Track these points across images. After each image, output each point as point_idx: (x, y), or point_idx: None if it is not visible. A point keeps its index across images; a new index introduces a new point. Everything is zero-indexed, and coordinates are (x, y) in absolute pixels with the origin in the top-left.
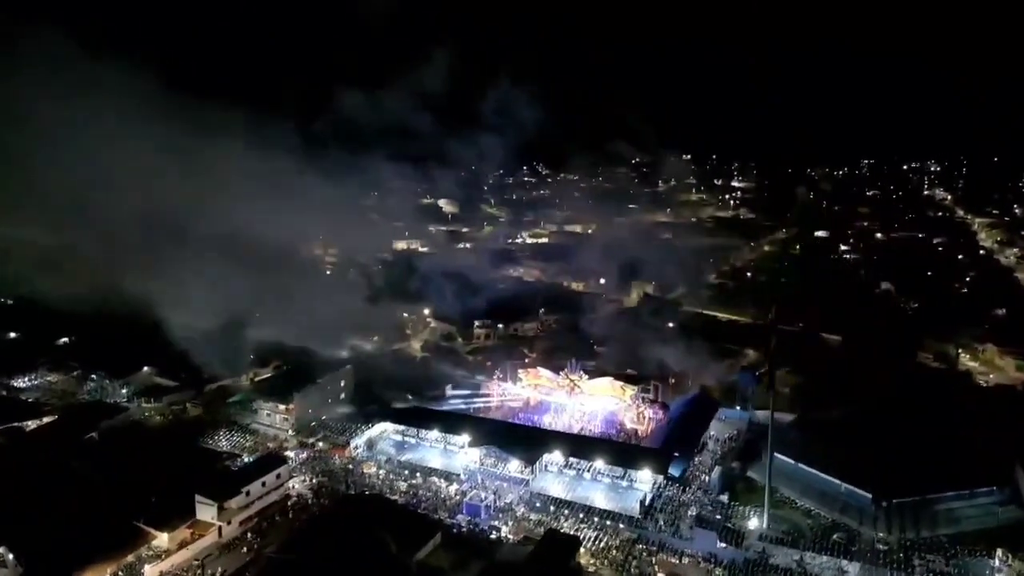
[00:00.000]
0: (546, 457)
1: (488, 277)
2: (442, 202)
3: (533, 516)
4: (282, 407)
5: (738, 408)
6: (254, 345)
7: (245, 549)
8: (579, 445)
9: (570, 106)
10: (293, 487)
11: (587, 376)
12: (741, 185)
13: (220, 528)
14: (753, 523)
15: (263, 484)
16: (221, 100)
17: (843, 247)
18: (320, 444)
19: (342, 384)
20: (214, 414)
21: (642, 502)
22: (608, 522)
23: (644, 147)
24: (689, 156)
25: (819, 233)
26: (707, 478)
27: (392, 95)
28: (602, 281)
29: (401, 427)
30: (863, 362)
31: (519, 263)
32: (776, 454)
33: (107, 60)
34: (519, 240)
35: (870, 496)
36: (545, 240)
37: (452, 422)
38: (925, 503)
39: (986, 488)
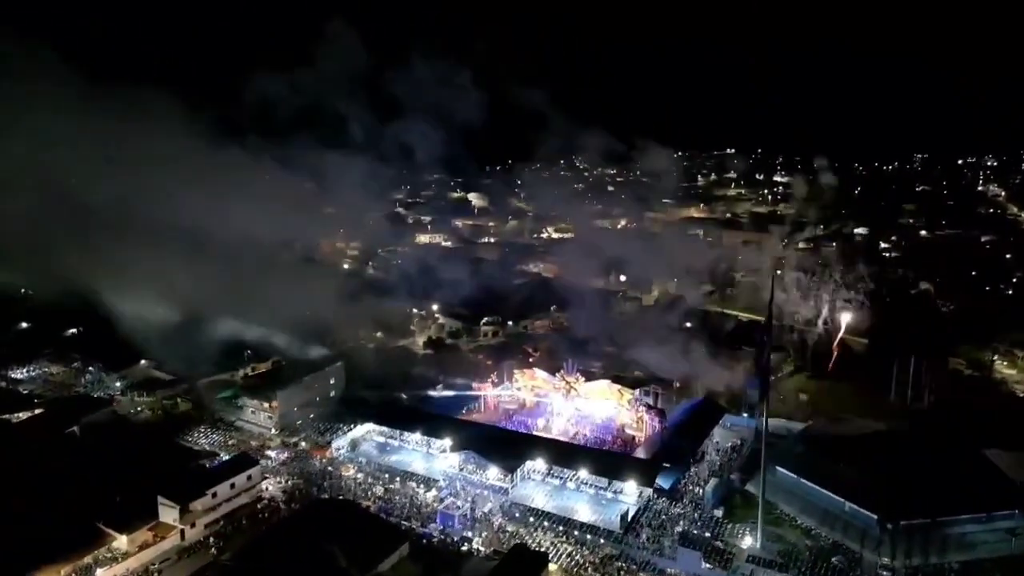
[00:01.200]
0: (528, 465)
1: (504, 273)
2: (472, 196)
3: (510, 527)
4: (266, 405)
5: (745, 415)
6: (224, 341)
7: (213, 552)
8: (563, 452)
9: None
10: (267, 489)
11: (584, 378)
12: (784, 180)
13: (183, 531)
14: (746, 542)
15: (232, 486)
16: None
17: (883, 244)
18: (303, 444)
19: (331, 382)
20: (202, 410)
21: (623, 516)
22: (589, 536)
23: (686, 142)
24: (733, 151)
25: (858, 230)
26: (701, 491)
27: (430, 87)
28: (622, 278)
29: (384, 428)
30: (888, 368)
31: (539, 258)
32: (778, 468)
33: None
34: (543, 235)
35: (875, 517)
36: (570, 235)
37: (435, 424)
38: (936, 526)
39: (1006, 512)
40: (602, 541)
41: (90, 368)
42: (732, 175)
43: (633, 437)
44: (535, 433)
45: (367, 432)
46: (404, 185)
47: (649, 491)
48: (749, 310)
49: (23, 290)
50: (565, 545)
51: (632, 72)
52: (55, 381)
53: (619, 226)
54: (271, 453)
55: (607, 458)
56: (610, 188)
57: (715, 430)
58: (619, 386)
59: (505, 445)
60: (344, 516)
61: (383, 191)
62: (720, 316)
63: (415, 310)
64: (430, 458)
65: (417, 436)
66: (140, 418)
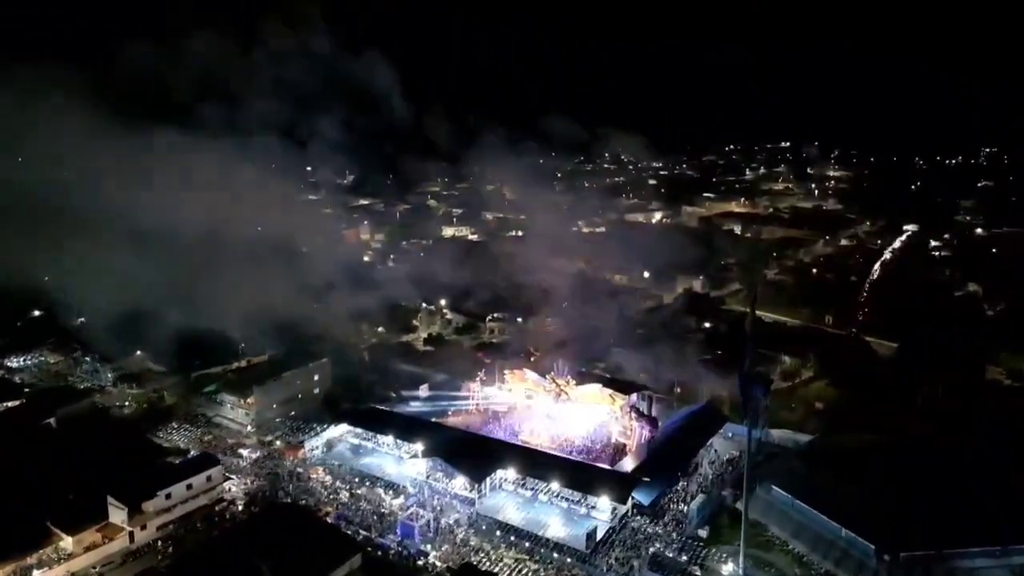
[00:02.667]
0: (500, 474)
1: (524, 267)
2: (506, 188)
3: (474, 541)
4: (243, 401)
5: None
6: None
7: (160, 556)
8: (538, 462)
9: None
10: (230, 490)
11: (575, 381)
12: (837, 174)
13: (131, 533)
14: (727, 568)
15: (189, 487)
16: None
17: (933, 242)
18: (278, 443)
19: (315, 379)
20: (186, 404)
21: (590, 534)
22: (556, 555)
23: (739, 134)
24: (788, 143)
25: (907, 227)
26: (686, 508)
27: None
28: (646, 275)
29: (357, 430)
30: (917, 376)
31: (563, 253)
32: (773, 486)
33: None
34: (573, 229)
35: (872, 547)
36: (601, 230)
37: (409, 427)
38: (940, 559)
39: (1022, 545)
40: (568, 560)
41: (87, 358)
42: (782, 169)
43: (624, 446)
44: (519, 438)
45: (342, 433)
46: (440, 177)
47: (627, 507)
48: (776, 310)
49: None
50: (529, 563)
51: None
52: (52, 370)
53: (654, 220)
54: (244, 452)
55: (581, 470)
56: (651, 182)
57: (715, 440)
58: (611, 391)
59: (479, 451)
60: (295, 523)
61: (416, 183)
62: (740, 316)
63: (424, 304)
64: (401, 463)
65: (390, 439)
66: (123, 411)
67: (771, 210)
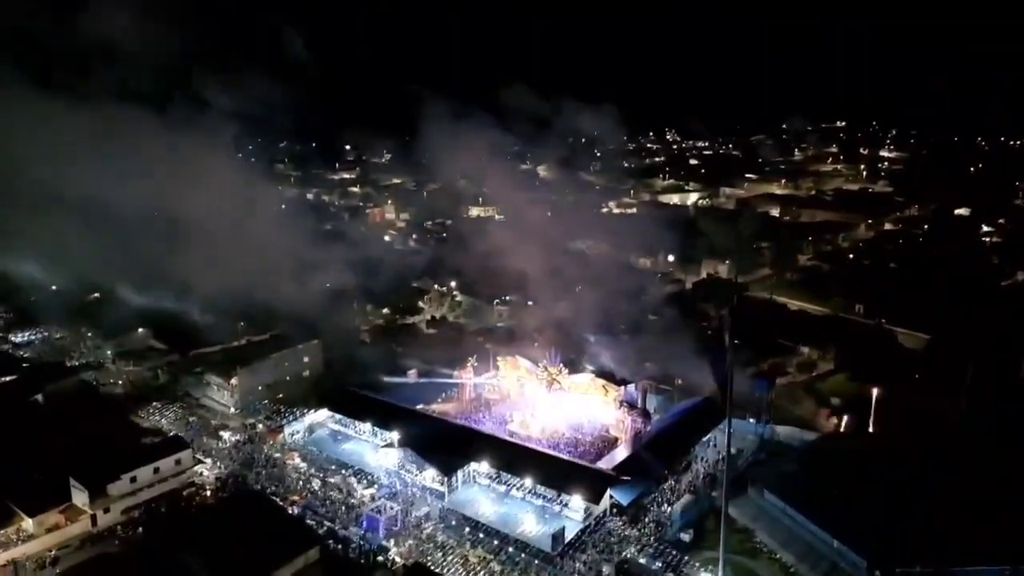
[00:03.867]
0: (473, 467)
1: (546, 249)
2: (540, 168)
3: (441, 537)
4: (227, 382)
5: (751, 420)
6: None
7: (116, 542)
8: (512, 455)
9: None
10: (202, 474)
11: (567, 370)
12: (891, 155)
13: (94, 516)
14: None
15: (156, 470)
16: None
17: (985, 228)
18: (260, 426)
19: (305, 361)
20: (176, 384)
21: (555, 535)
22: (523, 555)
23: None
24: (844, 123)
25: (959, 211)
26: (670, 509)
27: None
28: (670, 258)
29: (337, 416)
30: (947, 371)
31: (588, 235)
32: (765, 490)
33: None
34: (603, 209)
35: (865, 561)
36: (632, 211)
37: (387, 415)
38: None
39: None
40: (536, 562)
41: (90, 334)
42: (834, 149)
43: (616, 439)
44: (507, 428)
45: (323, 419)
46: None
47: (597, 507)
48: (804, 298)
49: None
50: (494, 563)
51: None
52: (57, 346)
53: (689, 202)
54: (225, 435)
55: (556, 466)
56: (692, 162)
57: (715, 436)
58: (603, 381)
59: (455, 442)
60: (254, 513)
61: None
62: (762, 303)
63: (436, 286)
64: (377, 451)
65: (367, 426)
66: (115, 389)
67: (814, 192)
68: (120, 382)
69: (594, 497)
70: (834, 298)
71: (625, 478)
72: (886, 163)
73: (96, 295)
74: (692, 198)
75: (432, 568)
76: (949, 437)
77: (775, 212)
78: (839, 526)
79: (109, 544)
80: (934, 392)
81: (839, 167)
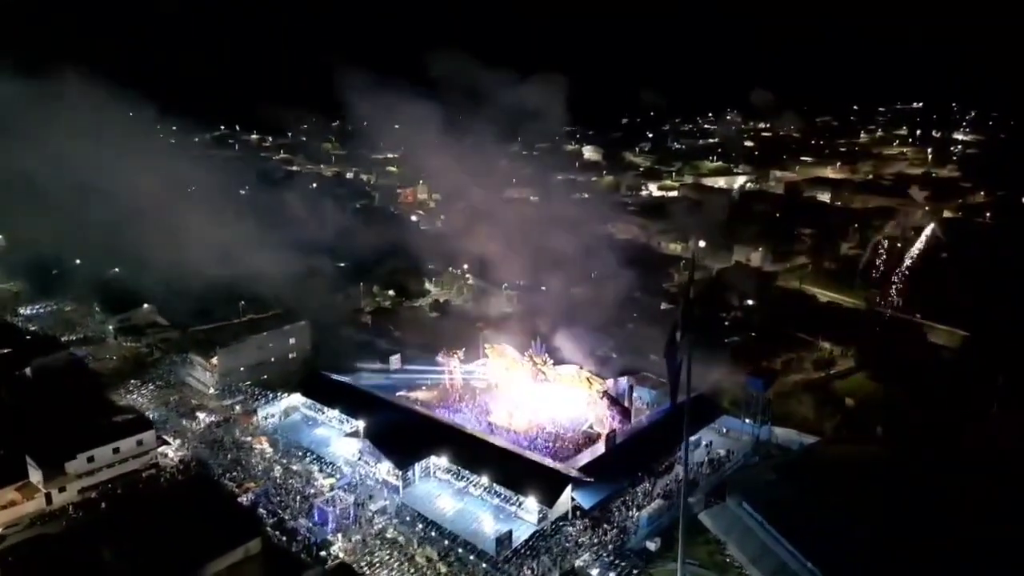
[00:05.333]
0: (433, 461)
1: (567, 232)
2: (586, 149)
3: (391, 533)
4: (208, 362)
5: (747, 421)
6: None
7: (64, 523)
8: (473, 450)
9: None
10: (168, 455)
11: (552, 360)
12: (966, 139)
13: (48, 495)
14: None
15: (115, 450)
16: None
17: None
18: (237, 408)
19: (291, 342)
20: (162, 361)
21: (500, 539)
22: (472, 557)
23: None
24: (920, 104)
25: None
26: (637, 514)
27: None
28: (701, 244)
29: (308, 401)
30: (980, 372)
31: (620, 218)
32: (744, 500)
33: None
34: (644, 192)
35: None
36: (673, 193)
37: (356, 402)
38: None
39: None
40: (484, 566)
41: (97, 308)
42: (903, 131)
43: (599, 436)
44: (488, 419)
45: (297, 403)
46: (519, 137)
47: (554, 510)
48: (836, 289)
49: None
50: (440, 565)
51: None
52: (63, 320)
53: (735, 185)
54: (201, 415)
55: (517, 464)
56: (747, 143)
57: (707, 436)
58: (588, 373)
59: (422, 434)
60: (202, 500)
61: (492, 143)
62: (789, 294)
63: (450, 268)
64: (341, 440)
65: (335, 413)
66: (108, 365)
67: (871, 176)
68: (114, 358)
69: (547, 499)
70: (870, 290)
71: (588, 479)
72: (958, 146)
73: (116, 270)
74: (739, 181)
75: (365, 569)
76: (964, 455)
77: (825, 197)
78: (815, 547)
79: (56, 525)
80: (959, 400)
81: (905, 150)
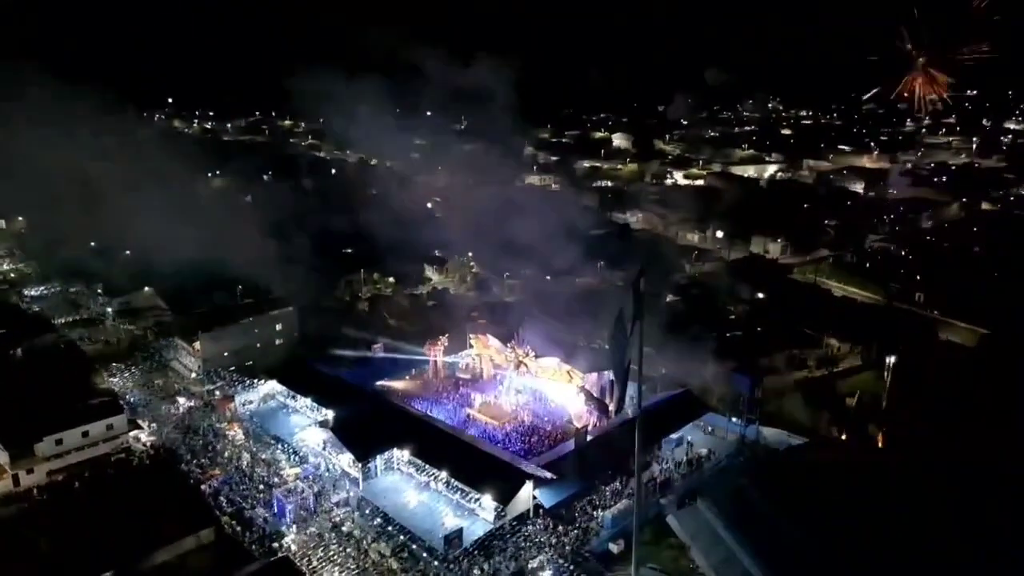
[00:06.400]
0: (396, 453)
1: (588, 221)
2: (616, 136)
3: (348, 527)
4: (191, 347)
5: (733, 419)
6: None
7: (26, 505)
8: (437, 443)
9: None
10: (140, 440)
11: (535, 353)
12: (1019, 127)
13: (16, 476)
14: None
15: (85, 434)
16: None
17: None
18: (218, 393)
19: (277, 328)
20: (151, 344)
21: (447, 538)
22: (426, 555)
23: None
24: (975, 92)
25: None
26: (602, 515)
27: None
28: (719, 234)
29: (283, 388)
30: (993, 374)
31: (639, 207)
32: (710, 502)
33: None
34: (668, 180)
35: None
36: (700, 182)
37: (331, 391)
38: None
39: None
40: (435, 564)
41: (100, 290)
42: (951, 120)
43: (576, 430)
44: (466, 411)
45: (275, 391)
46: (548, 124)
47: (515, 508)
48: (854, 283)
49: None
50: (391, 561)
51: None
52: (68, 301)
53: (765, 174)
54: (181, 400)
55: (478, 459)
56: (785, 131)
57: (691, 434)
58: (569, 367)
59: (392, 425)
60: (160, 486)
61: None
62: (800, 287)
63: (457, 255)
64: (311, 429)
65: (308, 402)
66: (100, 347)
67: (908, 165)
68: (108, 340)
69: (502, 497)
70: (892, 285)
71: (551, 477)
72: (1009, 135)
73: (128, 252)
74: (770, 170)
75: (314, 563)
76: (958, 465)
77: (857, 187)
78: (776, 561)
79: (17, 508)
80: (965, 402)
81: (951, 139)
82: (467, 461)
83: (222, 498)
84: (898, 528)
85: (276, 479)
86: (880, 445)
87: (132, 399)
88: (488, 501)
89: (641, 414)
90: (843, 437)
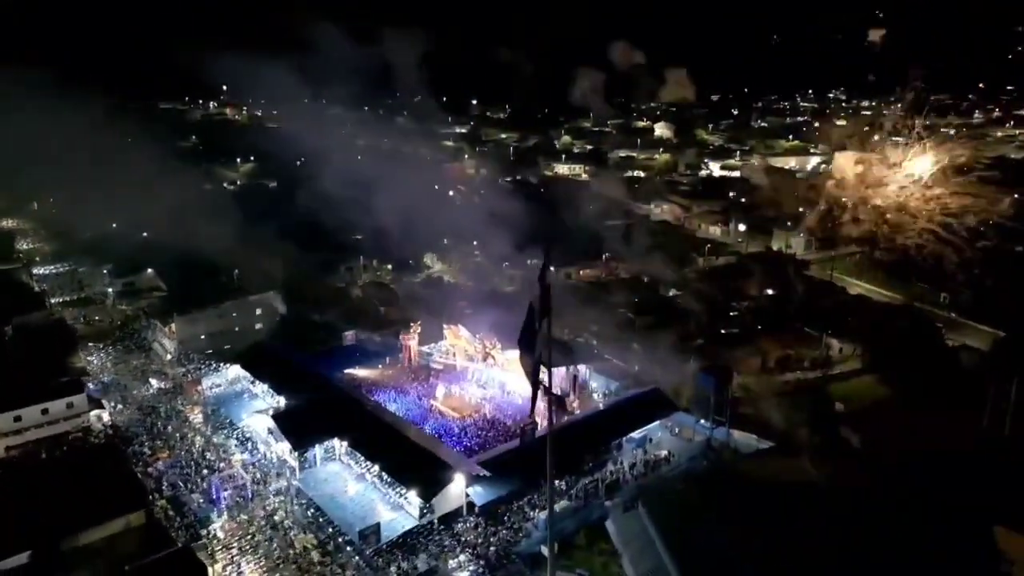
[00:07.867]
0: (335, 444)
1: (608, 211)
2: (658, 126)
3: (279, 516)
4: (167, 329)
5: (702, 421)
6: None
7: None
8: (374, 434)
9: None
10: (101, 419)
11: (501, 345)
12: None
13: None
14: None
15: (44, 411)
16: None
17: None
18: (189, 377)
19: (258, 313)
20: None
21: (363, 533)
22: (349, 549)
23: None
24: None
25: None
26: (538, 515)
27: None
28: (741, 227)
29: (246, 373)
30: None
31: (664, 198)
32: (648, 508)
33: None
34: (702, 172)
35: None
36: (736, 174)
37: (289, 377)
38: None
39: None
40: (356, 559)
41: (105, 271)
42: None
43: (537, 424)
44: (430, 402)
45: (238, 375)
46: (591, 113)
47: (442, 504)
48: (877, 281)
49: None
50: (314, 554)
51: None
52: (77, 280)
53: (808, 167)
54: (153, 381)
55: (410, 453)
56: (839, 123)
57: (657, 434)
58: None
59: (340, 414)
60: (97, 467)
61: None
62: (817, 284)
63: (461, 245)
64: (263, 415)
65: (265, 388)
66: (89, 326)
67: (962, 158)
68: (102, 320)
69: (426, 494)
70: (918, 284)
71: (485, 474)
72: None
73: (144, 235)
74: (813, 162)
75: (235, 552)
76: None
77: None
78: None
79: None
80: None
81: (1018, 132)
82: (402, 455)
83: (164, 481)
84: (843, 555)
85: (223, 464)
86: (848, 459)
87: (106, 379)
88: (414, 497)
89: (550, 419)
90: (814, 445)
